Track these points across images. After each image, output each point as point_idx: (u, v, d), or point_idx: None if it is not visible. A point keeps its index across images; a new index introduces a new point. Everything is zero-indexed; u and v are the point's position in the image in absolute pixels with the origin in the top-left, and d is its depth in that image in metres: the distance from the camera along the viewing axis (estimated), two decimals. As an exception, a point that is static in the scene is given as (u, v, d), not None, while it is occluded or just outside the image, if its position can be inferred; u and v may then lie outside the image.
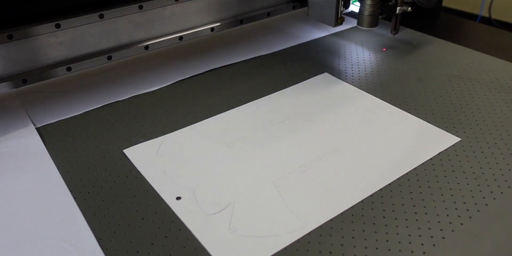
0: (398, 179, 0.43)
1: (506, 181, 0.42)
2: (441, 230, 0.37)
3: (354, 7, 0.66)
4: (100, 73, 0.62)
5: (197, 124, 0.51)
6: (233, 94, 0.57)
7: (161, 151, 0.47)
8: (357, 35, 0.71)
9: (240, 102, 0.55)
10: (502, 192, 0.41)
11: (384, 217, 0.39)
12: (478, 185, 0.42)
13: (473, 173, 0.43)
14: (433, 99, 0.55)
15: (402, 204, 0.40)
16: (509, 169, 0.44)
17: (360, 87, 0.57)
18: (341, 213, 0.39)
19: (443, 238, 0.37)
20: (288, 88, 0.58)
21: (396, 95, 0.56)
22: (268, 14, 0.68)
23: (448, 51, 0.66)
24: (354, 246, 0.36)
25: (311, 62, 0.64)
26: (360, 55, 0.65)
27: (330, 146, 0.47)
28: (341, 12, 0.62)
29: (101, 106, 0.55)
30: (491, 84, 0.57)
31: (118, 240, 0.37)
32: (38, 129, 0.51)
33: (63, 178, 0.44)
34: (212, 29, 0.63)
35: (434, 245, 0.36)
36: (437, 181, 0.42)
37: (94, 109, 0.54)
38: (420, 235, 0.37)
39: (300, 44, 0.69)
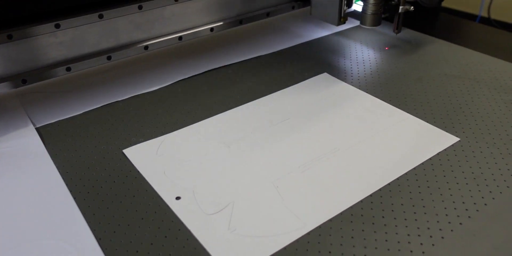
0: (397, 179, 0.43)
1: (505, 181, 0.42)
2: (440, 229, 0.38)
3: (357, 6, 0.66)
4: (100, 73, 0.62)
5: (197, 124, 0.51)
6: (232, 94, 0.57)
7: (160, 151, 0.47)
8: (356, 35, 0.71)
9: (240, 102, 0.55)
10: (501, 192, 0.41)
11: (383, 217, 0.39)
12: (477, 185, 0.42)
13: (472, 173, 0.43)
14: (432, 99, 0.55)
15: (401, 204, 0.40)
16: (508, 169, 0.44)
17: (360, 87, 0.58)
18: (341, 213, 0.39)
19: (442, 237, 0.37)
20: (287, 88, 0.58)
21: (396, 95, 0.56)
22: (268, 14, 0.69)
23: (448, 51, 0.66)
24: (353, 246, 0.36)
25: (310, 62, 0.64)
26: (359, 55, 0.66)
27: (329, 146, 0.47)
28: (344, 11, 0.63)
29: (101, 106, 0.55)
30: (491, 84, 0.57)
31: (118, 240, 0.37)
32: (37, 129, 0.51)
33: (63, 178, 0.44)
34: (211, 29, 0.63)
35: (433, 244, 0.36)
36: (436, 181, 0.42)
37: (93, 109, 0.54)
38: (419, 235, 0.37)
39: (299, 44, 0.69)
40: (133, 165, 0.45)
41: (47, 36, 0.52)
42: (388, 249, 0.36)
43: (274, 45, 0.68)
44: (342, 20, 0.63)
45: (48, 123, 0.52)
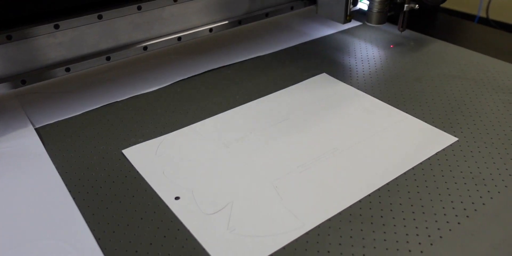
0: (396, 178, 0.43)
1: (503, 180, 0.42)
2: (438, 229, 0.38)
3: (362, 4, 0.67)
4: (99, 74, 0.62)
5: (196, 124, 0.51)
6: (231, 94, 0.57)
7: (159, 151, 0.47)
8: (356, 35, 0.71)
9: (239, 102, 0.55)
10: (499, 192, 0.41)
11: (382, 216, 0.39)
12: (476, 184, 0.42)
13: (471, 172, 0.44)
14: (431, 99, 0.55)
15: (400, 204, 0.40)
16: (506, 169, 0.44)
17: (358, 87, 0.58)
18: (339, 213, 0.39)
19: (441, 237, 0.37)
20: (286, 89, 0.58)
21: (394, 95, 0.56)
22: (267, 15, 0.69)
23: (446, 51, 0.66)
24: (352, 246, 0.36)
25: (309, 62, 0.64)
26: (358, 55, 0.66)
27: (328, 146, 0.47)
28: (350, 9, 0.64)
29: (100, 107, 0.55)
30: (489, 84, 0.58)
31: (117, 240, 0.37)
32: (37, 130, 0.51)
33: (62, 178, 0.44)
34: (210, 29, 0.64)
35: (431, 244, 0.36)
36: (435, 181, 0.43)
37: (93, 109, 0.55)
38: (417, 234, 0.37)
39: (298, 44, 0.69)
40: (132, 165, 0.45)
41: (47, 37, 0.52)
42: (387, 249, 0.36)
43: (273, 45, 0.69)
44: (348, 18, 0.64)
45: (47, 123, 0.52)
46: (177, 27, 0.61)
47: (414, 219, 0.39)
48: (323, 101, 0.55)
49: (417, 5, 0.64)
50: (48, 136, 0.50)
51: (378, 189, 0.42)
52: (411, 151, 0.46)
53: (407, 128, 0.50)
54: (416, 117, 0.51)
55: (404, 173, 0.44)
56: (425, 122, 0.51)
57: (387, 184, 0.42)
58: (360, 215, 0.39)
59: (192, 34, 0.62)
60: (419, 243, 0.36)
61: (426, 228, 0.38)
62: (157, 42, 0.60)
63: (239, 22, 0.66)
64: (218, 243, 0.37)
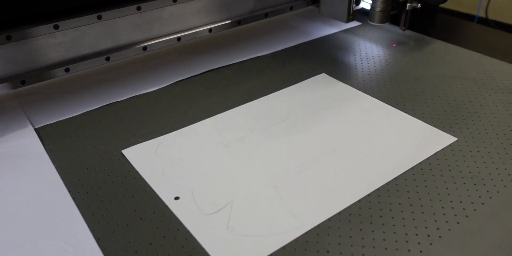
0: (395, 178, 0.43)
1: (502, 180, 0.43)
2: (437, 229, 0.38)
3: (364, 4, 0.68)
4: (99, 74, 0.62)
5: (195, 124, 0.51)
6: (231, 94, 0.57)
7: (159, 151, 0.47)
8: (355, 36, 0.71)
9: (238, 102, 0.55)
10: (498, 191, 0.41)
11: (381, 216, 0.39)
12: (475, 184, 0.42)
13: (470, 172, 0.44)
14: (430, 99, 0.55)
15: (399, 204, 0.40)
16: (505, 169, 0.44)
17: (358, 87, 0.58)
18: (339, 213, 0.39)
19: (440, 237, 0.37)
20: (285, 89, 0.58)
21: (394, 95, 0.56)
22: (266, 15, 0.69)
23: (446, 51, 0.66)
24: (351, 245, 0.37)
25: (308, 62, 0.64)
26: (357, 55, 0.66)
27: (328, 146, 0.47)
28: (353, 8, 0.65)
29: (100, 107, 0.55)
30: (488, 84, 0.58)
31: (117, 240, 0.37)
32: (36, 130, 0.51)
33: (62, 178, 0.44)
34: (210, 30, 0.64)
35: (430, 244, 0.36)
36: (434, 181, 0.43)
37: (92, 109, 0.55)
38: (417, 234, 0.37)
39: (298, 45, 0.69)
40: (132, 165, 0.46)
41: (46, 37, 0.52)
42: (386, 248, 0.36)
43: (273, 45, 0.69)
44: (350, 17, 0.65)
45: (47, 123, 0.52)
46: (176, 27, 0.61)
47: (413, 219, 0.39)
48: (322, 101, 0.55)
49: (419, 4, 0.65)
50: (47, 136, 0.50)
51: (378, 189, 0.42)
52: (410, 151, 0.46)
53: (406, 128, 0.50)
54: (416, 117, 0.52)
55: (404, 173, 0.44)
56: (425, 122, 0.51)
57: (387, 184, 0.42)
58: (360, 215, 0.39)
59: (191, 34, 0.62)
60: (418, 243, 0.37)
61: (426, 227, 0.38)
62: (156, 42, 0.60)
63: (239, 23, 0.66)
64: (217, 243, 0.37)
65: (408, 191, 0.42)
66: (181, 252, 0.36)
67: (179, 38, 0.61)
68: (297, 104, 0.55)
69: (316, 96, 0.56)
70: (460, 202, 0.40)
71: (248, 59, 0.65)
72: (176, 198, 0.41)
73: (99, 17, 0.54)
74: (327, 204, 0.40)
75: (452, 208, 0.40)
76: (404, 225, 0.38)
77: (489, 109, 0.53)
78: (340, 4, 0.65)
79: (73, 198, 0.42)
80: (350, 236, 0.37)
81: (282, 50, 0.68)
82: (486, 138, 0.48)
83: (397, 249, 0.36)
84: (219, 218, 0.39)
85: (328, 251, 0.36)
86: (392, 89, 0.57)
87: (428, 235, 0.37)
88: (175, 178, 0.44)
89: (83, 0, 0.54)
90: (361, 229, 0.38)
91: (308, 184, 0.43)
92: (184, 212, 0.40)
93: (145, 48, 0.59)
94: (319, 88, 0.58)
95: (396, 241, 0.37)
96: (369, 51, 0.67)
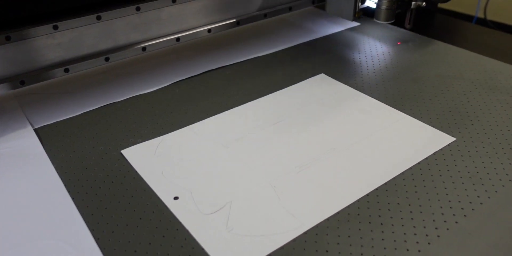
0: (394, 178, 0.43)
1: (500, 180, 0.43)
2: (436, 228, 0.38)
3: (370, 2, 0.69)
4: (98, 75, 0.62)
5: (195, 124, 0.52)
6: (230, 95, 0.57)
7: (158, 151, 0.47)
8: (353, 36, 0.71)
9: (237, 102, 0.55)
10: (496, 191, 0.41)
11: (379, 216, 0.39)
12: (473, 184, 0.42)
13: (468, 172, 0.44)
14: (428, 100, 0.55)
15: (398, 203, 0.40)
16: (504, 168, 0.44)
17: (356, 87, 0.58)
18: (337, 213, 0.40)
19: (438, 236, 0.37)
20: (284, 89, 0.58)
21: (392, 95, 0.56)
22: (265, 16, 0.69)
23: (444, 52, 0.66)
24: (350, 245, 0.37)
25: (307, 63, 0.64)
26: (356, 56, 0.66)
27: (326, 146, 0.48)
28: (358, 7, 0.67)
29: (99, 107, 0.55)
30: (486, 85, 0.58)
31: (116, 240, 0.38)
32: (36, 130, 0.51)
33: (61, 178, 0.44)
34: (209, 30, 0.64)
35: (429, 243, 0.37)
36: (432, 181, 0.43)
37: (92, 110, 0.55)
38: (415, 234, 0.37)
39: (297, 45, 0.69)
40: (131, 165, 0.46)
41: (45, 38, 0.52)
42: (385, 248, 0.36)
43: (272, 45, 0.69)
44: (356, 15, 0.67)
45: (46, 124, 0.52)
46: (175, 27, 0.62)
47: (412, 219, 0.39)
48: (321, 102, 0.55)
49: (424, 3, 0.66)
50: (47, 136, 0.50)
51: (376, 189, 0.42)
52: (409, 151, 0.47)
53: (405, 128, 0.50)
54: (414, 117, 0.52)
55: (402, 173, 0.44)
56: (423, 122, 0.51)
57: (385, 183, 0.43)
58: (358, 214, 0.39)
59: (190, 34, 0.62)
60: (417, 242, 0.37)
61: (424, 227, 0.38)
62: (156, 43, 0.60)
63: (238, 23, 0.66)
64: (216, 243, 0.37)
65: (406, 191, 0.42)
66: (180, 252, 0.36)
67: (178, 39, 0.62)
68: (296, 104, 0.55)
69: (315, 96, 0.56)
70: (459, 202, 0.40)
71: (247, 60, 0.65)
72: (175, 198, 0.41)
73: (98, 18, 0.54)
74: (326, 204, 0.40)
75: (451, 207, 0.40)
76: (402, 225, 0.38)
77: (487, 109, 0.53)
78: (346, 3, 0.67)
79: (73, 198, 0.42)
80: (349, 236, 0.37)
81: (280, 50, 0.68)
82: (484, 138, 0.48)
83: (395, 249, 0.36)
84: (218, 218, 0.39)
85: (327, 251, 0.36)
86: (390, 89, 0.57)
87: (427, 235, 0.37)
88: (175, 178, 0.44)
89: (82, 1, 0.54)
90: (359, 229, 0.38)
91: (307, 184, 0.43)
92: (183, 212, 0.40)
93: (144, 48, 0.59)
94: (318, 89, 0.58)
95: (395, 241, 0.37)
96: (368, 51, 0.67)
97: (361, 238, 0.37)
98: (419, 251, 0.36)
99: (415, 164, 0.45)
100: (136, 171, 0.45)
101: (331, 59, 0.65)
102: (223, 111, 0.54)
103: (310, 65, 0.63)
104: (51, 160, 0.46)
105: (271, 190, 0.42)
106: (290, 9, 0.71)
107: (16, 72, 0.52)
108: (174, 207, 0.40)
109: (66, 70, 0.54)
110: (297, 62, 0.64)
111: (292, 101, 0.55)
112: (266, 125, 0.51)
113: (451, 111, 0.53)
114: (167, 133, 0.50)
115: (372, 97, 0.56)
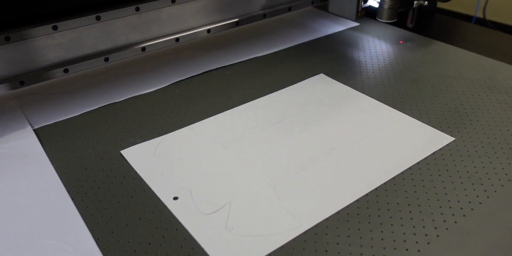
0: (393, 178, 0.43)
1: (499, 179, 0.43)
2: (435, 228, 0.38)
3: (372, 1, 0.69)
4: (97, 75, 0.62)
5: (194, 125, 0.52)
6: (229, 95, 0.57)
7: (158, 151, 0.47)
8: (352, 37, 0.72)
9: (237, 103, 0.55)
10: (495, 191, 0.42)
11: (379, 216, 0.39)
12: (472, 184, 0.42)
13: (467, 172, 0.44)
14: (428, 100, 0.55)
15: (397, 203, 0.40)
16: (503, 168, 0.44)
17: (355, 87, 0.58)
18: (337, 212, 0.40)
19: (437, 236, 0.37)
20: (284, 89, 0.58)
21: (391, 95, 0.56)
22: (265, 16, 0.69)
23: (443, 52, 0.66)
24: (350, 245, 0.37)
25: (306, 63, 0.64)
26: (355, 56, 0.66)
27: (326, 146, 0.48)
28: (361, 6, 0.67)
29: (98, 108, 0.55)
30: (485, 85, 0.58)
31: (116, 240, 0.38)
32: (35, 131, 0.51)
33: (61, 179, 0.44)
34: (208, 30, 0.64)
35: (428, 243, 0.37)
36: (432, 180, 0.43)
37: (91, 110, 0.55)
38: (414, 233, 0.37)
39: (296, 45, 0.69)
40: (130, 165, 0.46)
41: (45, 38, 0.52)
42: (384, 248, 0.36)
43: (271, 46, 0.69)
44: (359, 14, 0.67)
45: (46, 124, 0.52)
46: (175, 28, 0.62)
47: (411, 218, 0.39)
48: (320, 102, 0.55)
49: (426, 2, 0.66)
50: (46, 137, 0.50)
51: (376, 189, 0.42)
52: (408, 151, 0.47)
53: (404, 128, 0.50)
54: (414, 117, 0.52)
55: (401, 173, 0.44)
56: (422, 122, 0.51)
57: (385, 183, 0.43)
58: (358, 214, 0.39)
59: (190, 35, 0.63)
60: (416, 242, 0.37)
61: (423, 227, 0.38)
62: (155, 43, 0.60)
63: (237, 23, 0.66)
64: (216, 243, 0.37)
65: (406, 191, 0.42)
66: (180, 252, 0.36)
67: (177, 39, 0.62)
68: (295, 104, 0.55)
69: (314, 96, 0.56)
70: (458, 201, 0.40)
71: (246, 60, 0.65)
72: (175, 198, 0.42)
73: (98, 18, 0.54)
74: (326, 204, 0.40)
75: (450, 207, 0.40)
76: (402, 225, 0.38)
77: (486, 109, 0.53)
78: (349, 2, 0.67)
79: (72, 199, 0.42)
80: (348, 236, 0.38)
81: (280, 50, 0.68)
82: (483, 138, 0.48)
83: (395, 249, 0.36)
84: (218, 218, 0.39)
85: (326, 251, 0.36)
86: (390, 90, 0.57)
87: (426, 235, 0.37)
88: (174, 178, 0.44)
89: (81, 1, 0.54)
90: (359, 229, 0.38)
91: (306, 184, 0.43)
92: (183, 212, 0.40)
93: (143, 48, 0.59)
94: (318, 89, 0.58)
95: (394, 241, 0.37)
96: (367, 51, 0.67)
97: (360, 238, 0.37)
98: (418, 250, 0.36)
99: (415, 164, 0.45)
100: (136, 171, 0.45)
101: (330, 59, 0.65)
102: (222, 111, 0.54)
103: (309, 65, 0.63)
104: (50, 160, 0.46)
105: (270, 190, 0.42)
106: (289, 9, 0.72)
107: (15, 73, 0.52)
108: (174, 207, 0.40)
109: (66, 71, 0.54)
110: (296, 62, 0.64)
111: (291, 101, 0.55)
112: (265, 125, 0.51)
113: (451, 111, 0.53)
114: (166, 133, 0.50)
115: (371, 97, 0.56)
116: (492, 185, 0.42)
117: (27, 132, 0.51)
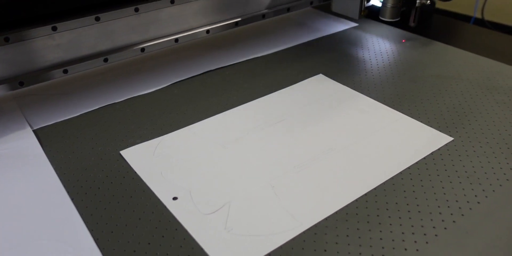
0: (392, 178, 0.43)
1: (497, 179, 0.43)
2: (434, 227, 0.38)
3: (375, 1, 0.70)
4: (97, 75, 0.62)
5: (193, 125, 0.52)
6: (229, 95, 0.57)
7: (157, 152, 0.48)
8: (351, 37, 0.72)
9: (236, 103, 0.55)
10: (494, 190, 0.42)
11: (378, 215, 0.39)
12: (470, 183, 0.43)
13: (466, 172, 0.44)
14: (426, 100, 0.55)
15: (396, 203, 0.41)
16: (501, 168, 0.44)
17: (354, 88, 0.58)
18: (336, 212, 0.40)
19: (436, 235, 0.37)
20: (283, 90, 0.58)
21: (390, 95, 0.56)
22: (263, 16, 0.69)
23: (442, 52, 0.67)
24: (349, 244, 0.37)
25: (305, 63, 0.64)
26: (353, 56, 0.66)
27: (325, 146, 0.48)
28: (364, 5, 0.68)
29: (98, 108, 0.55)
30: (484, 85, 0.58)
31: (116, 240, 0.38)
32: (35, 131, 0.51)
33: (61, 179, 0.44)
34: (207, 31, 0.64)
35: (427, 242, 0.37)
36: (430, 180, 0.43)
37: (90, 111, 0.55)
38: (413, 233, 0.38)
39: (295, 46, 0.69)
40: (130, 166, 0.46)
41: (44, 39, 0.52)
42: (383, 247, 0.36)
43: (270, 46, 0.69)
44: (362, 13, 0.68)
45: (45, 125, 0.52)
46: (174, 28, 0.62)
47: (409, 218, 0.39)
48: (319, 102, 0.55)
49: (428, 1, 0.66)
50: (46, 137, 0.50)
51: (374, 189, 0.42)
52: (407, 151, 0.47)
53: (402, 128, 0.50)
54: (412, 117, 0.52)
55: (400, 173, 0.44)
56: (421, 122, 0.51)
57: (383, 183, 0.43)
58: (357, 214, 0.40)
59: (189, 35, 0.63)
60: (415, 242, 0.37)
61: (422, 226, 0.38)
62: (154, 44, 0.60)
63: (236, 24, 0.66)
64: (216, 243, 0.37)
65: (404, 191, 0.42)
66: (180, 252, 0.37)
67: (177, 39, 0.62)
68: (294, 104, 0.55)
69: (313, 96, 0.56)
70: (456, 201, 0.41)
71: (245, 60, 0.65)
72: (174, 198, 0.42)
73: (97, 19, 0.54)
74: (325, 204, 0.41)
75: (448, 207, 0.40)
76: (400, 224, 0.38)
77: (484, 109, 0.53)
78: (352, 1, 0.68)
79: (72, 199, 0.42)
80: (347, 235, 0.38)
81: (279, 51, 0.68)
82: (481, 138, 0.49)
83: (394, 248, 0.36)
84: (217, 218, 0.39)
85: (325, 250, 0.36)
86: (388, 90, 0.58)
87: (425, 234, 0.37)
88: (173, 178, 0.44)
89: (81, 2, 0.54)
90: (358, 229, 0.38)
91: (305, 184, 0.43)
92: (183, 212, 0.40)
93: (143, 49, 0.59)
94: (317, 89, 0.58)
95: (393, 240, 0.37)
96: (366, 52, 0.67)
97: (359, 237, 0.37)
98: (417, 250, 0.36)
99: (413, 164, 0.45)
100: (135, 172, 0.45)
101: (329, 59, 0.65)
102: (222, 112, 0.54)
103: (308, 65, 0.64)
104: (50, 161, 0.47)
105: (270, 190, 0.42)
106: (288, 10, 0.72)
107: (15, 73, 0.52)
108: (173, 207, 0.41)
109: (65, 71, 0.54)
110: (296, 62, 0.65)
111: (291, 102, 0.56)
112: (264, 125, 0.51)
113: (449, 111, 0.53)
114: (166, 133, 0.50)
115: (370, 97, 0.56)
116: (490, 185, 0.42)
117: (26, 133, 0.51)
